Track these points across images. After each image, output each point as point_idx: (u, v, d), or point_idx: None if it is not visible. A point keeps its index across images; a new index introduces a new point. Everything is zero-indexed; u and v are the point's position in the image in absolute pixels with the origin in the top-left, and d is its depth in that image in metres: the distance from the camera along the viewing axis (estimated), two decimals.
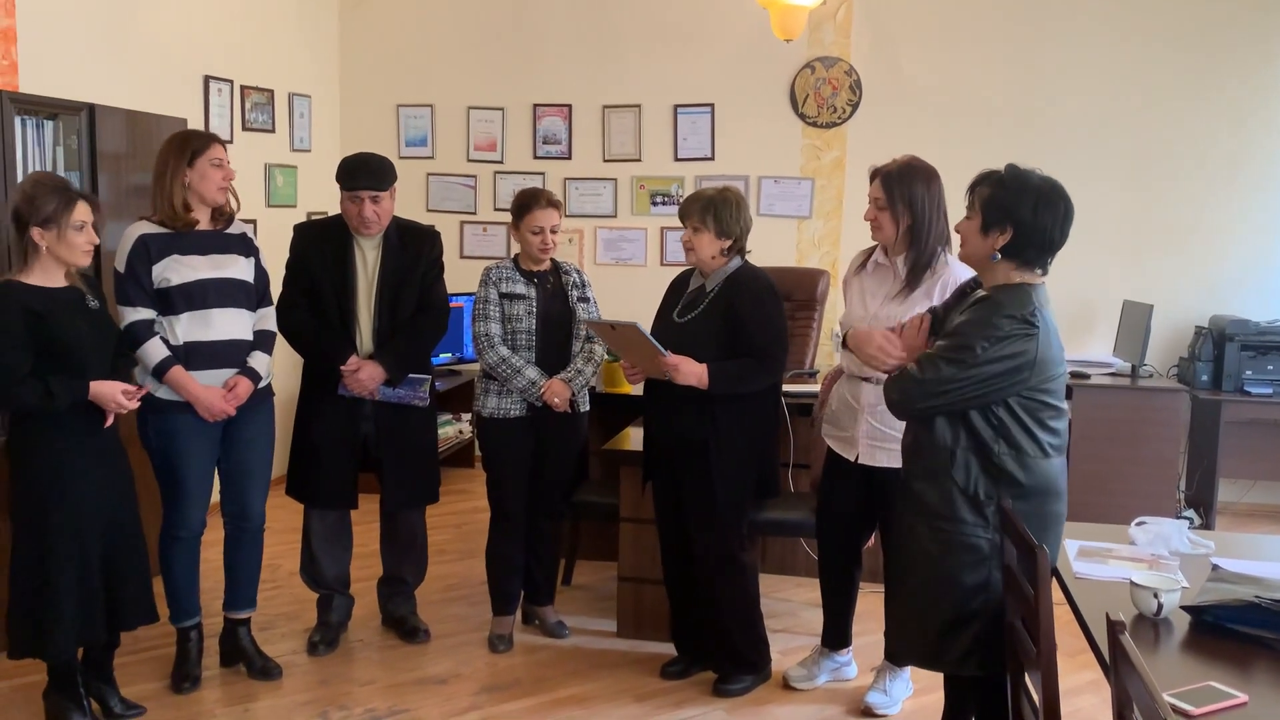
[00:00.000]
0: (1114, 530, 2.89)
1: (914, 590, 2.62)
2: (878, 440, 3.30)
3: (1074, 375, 5.31)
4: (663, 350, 3.32)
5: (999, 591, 2.51)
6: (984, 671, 2.57)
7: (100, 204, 3.11)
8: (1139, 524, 2.81)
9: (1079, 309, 5.85)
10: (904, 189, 3.25)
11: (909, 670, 3.51)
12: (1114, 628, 1.75)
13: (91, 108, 4.09)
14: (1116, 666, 1.77)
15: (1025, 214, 2.47)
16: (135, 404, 3.09)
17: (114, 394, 3.03)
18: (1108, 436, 5.14)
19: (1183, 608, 2.27)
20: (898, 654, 2.74)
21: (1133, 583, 2.30)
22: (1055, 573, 2.44)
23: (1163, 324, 5.56)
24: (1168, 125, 5.73)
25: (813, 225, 6.15)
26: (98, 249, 3.09)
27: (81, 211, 2.98)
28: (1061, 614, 2.32)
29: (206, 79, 5.30)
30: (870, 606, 3.89)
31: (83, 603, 3.03)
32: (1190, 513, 5.38)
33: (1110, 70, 5.76)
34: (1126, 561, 2.60)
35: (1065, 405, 2.55)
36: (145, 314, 3.32)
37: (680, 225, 3.52)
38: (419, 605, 4.06)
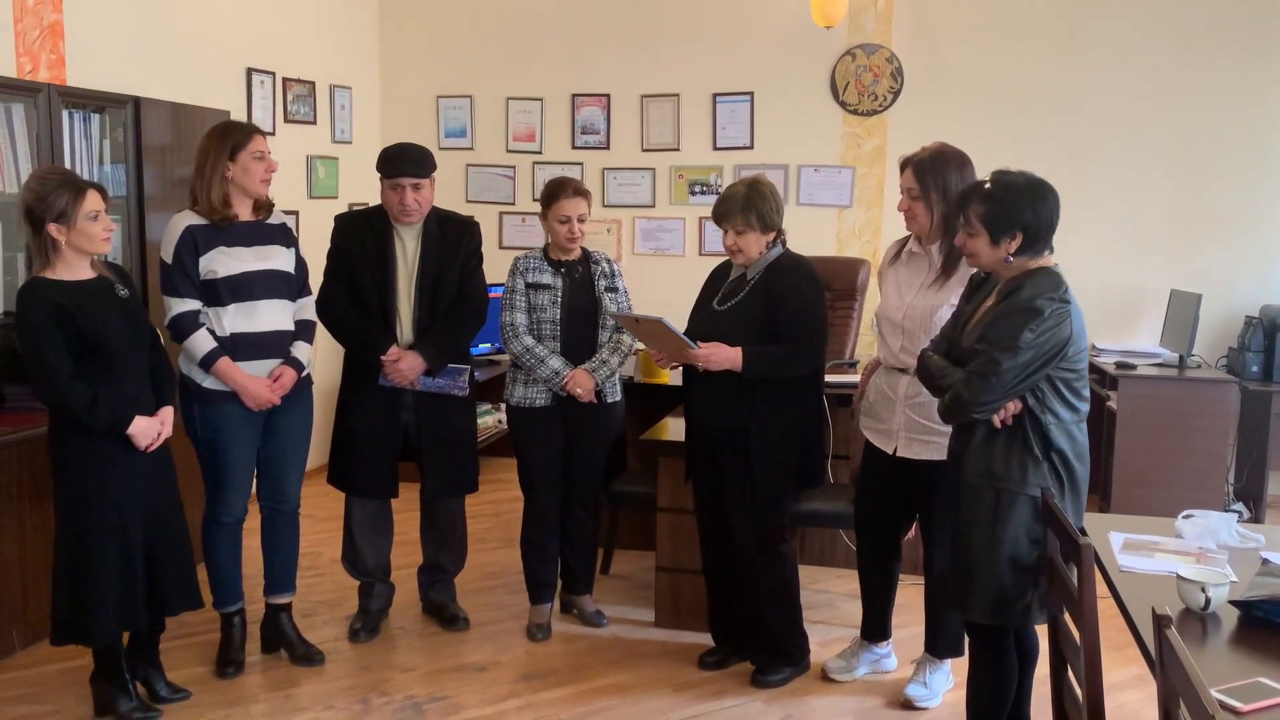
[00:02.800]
0: (1160, 523, 2.85)
1: (982, 551, 2.69)
2: (916, 432, 3.27)
3: (1120, 366, 5.23)
4: (691, 343, 3.30)
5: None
6: (1040, 621, 2.68)
7: (107, 190, 3.12)
8: (1186, 517, 2.77)
9: (1125, 299, 5.76)
10: (937, 178, 3.21)
11: (949, 663, 3.48)
12: (1160, 622, 1.72)
13: (137, 100, 4.14)
14: (1163, 662, 1.74)
15: (1028, 215, 2.67)
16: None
17: (149, 433, 3.08)
18: (1154, 428, 5.05)
19: (1231, 602, 2.23)
20: (966, 609, 2.76)
21: (1179, 576, 2.27)
22: (1100, 566, 2.42)
23: (1211, 314, 5.45)
24: (1216, 112, 5.62)
25: (853, 214, 6.10)
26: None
27: (93, 201, 3.00)
28: (1105, 607, 2.29)
29: (249, 71, 5.36)
30: (910, 599, 3.86)
31: (125, 589, 3.08)
32: (1239, 506, 5.28)
33: (1157, 57, 5.65)
34: (1173, 555, 2.56)
35: (1088, 373, 2.75)
36: (191, 305, 3.36)
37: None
38: (459, 593, 4.09)
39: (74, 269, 3.03)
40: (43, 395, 3.02)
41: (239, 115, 5.10)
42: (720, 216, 3.41)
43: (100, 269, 3.12)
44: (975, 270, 2.96)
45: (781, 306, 3.35)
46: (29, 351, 2.98)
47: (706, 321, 3.42)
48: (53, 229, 2.96)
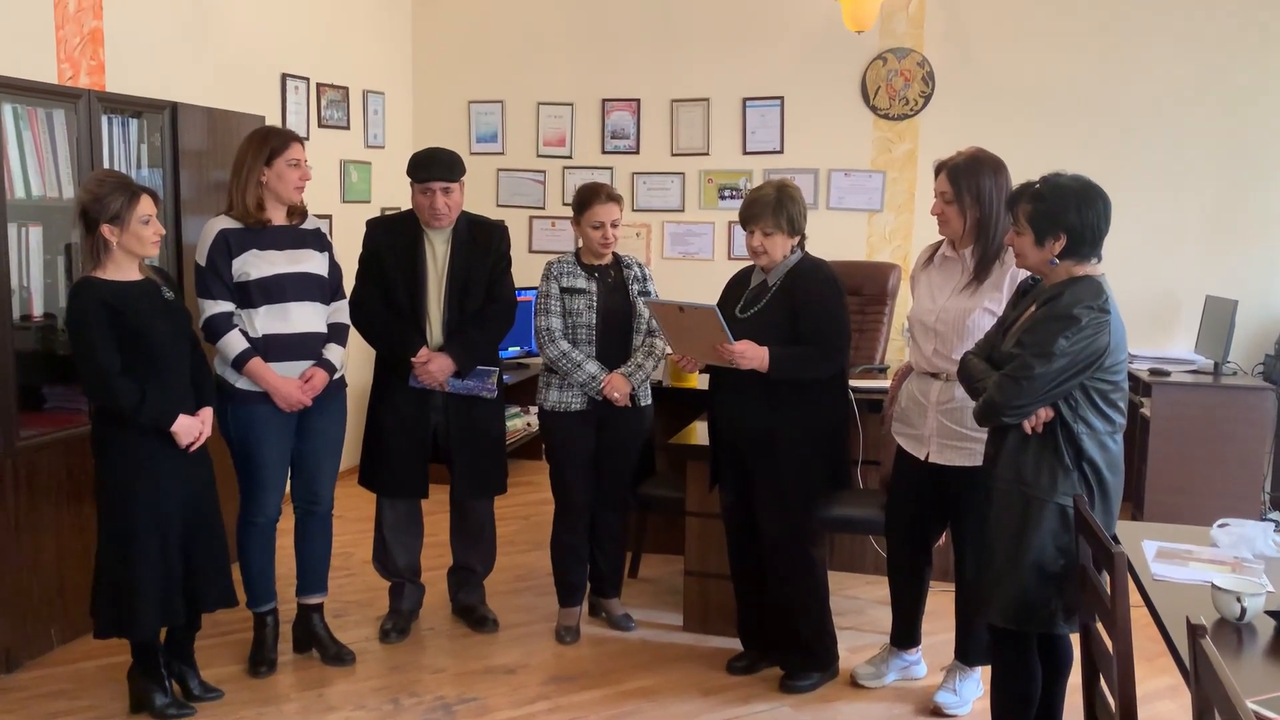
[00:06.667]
0: (1195, 532, 2.82)
1: (1007, 555, 2.70)
2: (948, 438, 3.26)
3: (1153, 373, 5.18)
4: (731, 338, 3.30)
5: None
6: (1069, 630, 2.71)
7: (159, 196, 3.18)
8: (1221, 526, 2.74)
9: (1159, 304, 5.70)
10: (971, 182, 3.20)
11: (979, 670, 3.45)
12: (1195, 631, 1.70)
13: (174, 106, 4.20)
14: (1197, 672, 1.72)
15: (1072, 218, 2.65)
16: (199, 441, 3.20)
17: (191, 431, 3.13)
18: (1189, 435, 5.00)
19: (1267, 613, 2.21)
20: (987, 612, 2.77)
21: (1214, 586, 2.25)
22: (1133, 574, 2.40)
23: (1248, 320, 5.38)
24: (1253, 114, 5.55)
25: (884, 219, 6.08)
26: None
27: (145, 205, 3.07)
28: (1138, 616, 2.27)
29: (284, 77, 5.42)
30: (940, 606, 3.84)
31: (164, 586, 3.13)
32: (1276, 515, 5.21)
33: (1193, 58, 5.59)
34: (1208, 564, 2.53)
35: (1127, 386, 2.74)
36: (224, 307, 3.40)
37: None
38: (488, 595, 4.11)
39: (123, 270, 3.09)
40: (91, 391, 3.09)
41: (273, 120, 5.15)
42: (749, 218, 3.41)
43: (147, 272, 3.18)
44: (1024, 276, 2.95)
45: (803, 310, 3.35)
46: (79, 348, 3.04)
47: (729, 329, 3.42)
48: (106, 230, 3.02)
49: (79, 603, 3.51)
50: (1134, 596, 2.24)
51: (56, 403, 3.83)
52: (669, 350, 3.86)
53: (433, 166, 3.68)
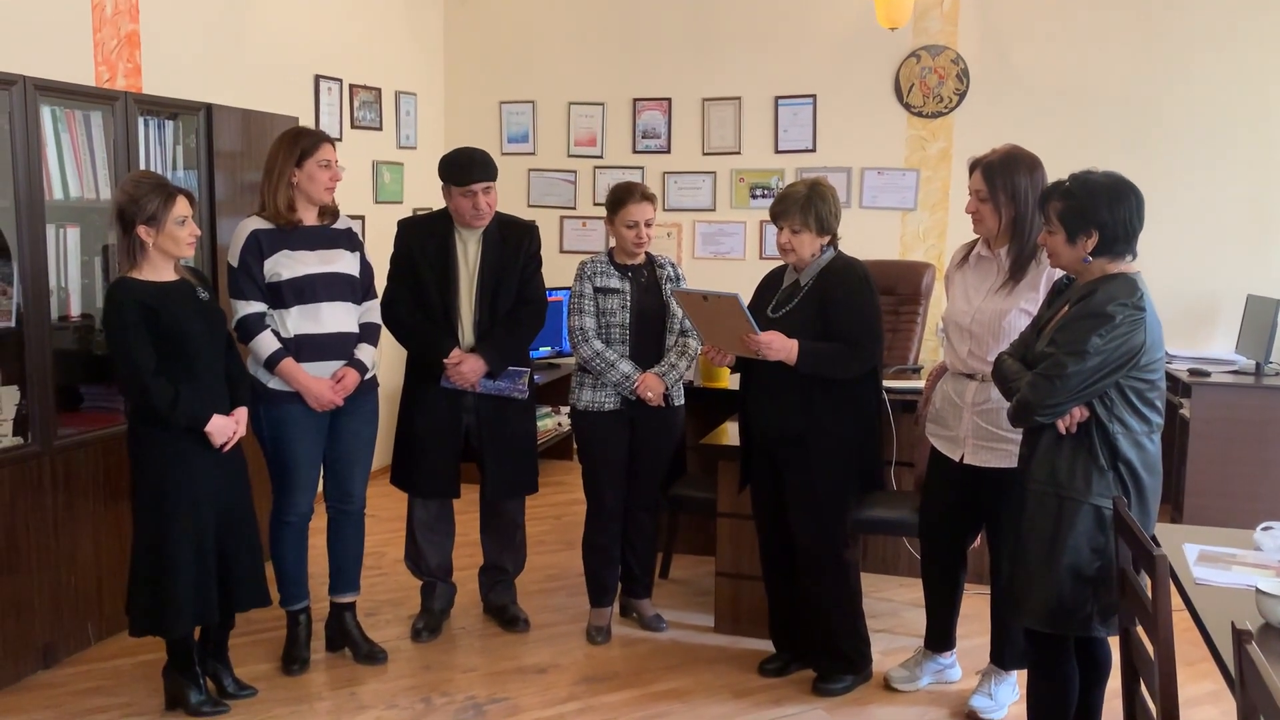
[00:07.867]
0: (1238, 535, 2.77)
1: (1042, 557, 2.67)
2: (983, 440, 3.22)
3: (1193, 373, 5.10)
4: (756, 328, 3.27)
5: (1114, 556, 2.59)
6: (1107, 633, 2.68)
7: (195, 197, 3.21)
8: (1265, 529, 2.69)
9: (1199, 304, 5.61)
10: (1006, 180, 3.16)
11: (1015, 674, 3.41)
12: (1240, 637, 1.67)
13: (209, 107, 4.23)
14: (1243, 678, 1.69)
15: (1104, 214, 2.62)
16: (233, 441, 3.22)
17: (225, 431, 3.16)
18: (1230, 437, 4.91)
19: None
20: (1022, 615, 2.74)
21: (1259, 590, 2.20)
22: (1173, 578, 2.36)
23: None
24: None
25: (918, 217, 6.03)
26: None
27: (182, 206, 3.10)
28: (1178, 620, 2.23)
29: (317, 78, 5.45)
30: (975, 609, 3.80)
31: (199, 584, 3.15)
32: None
33: (1232, 51, 5.49)
34: (1251, 568, 2.49)
35: (1164, 385, 2.69)
36: (257, 307, 3.43)
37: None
38: (519, 594, 4.12)
39: (159, 270, 3.12)
40: (127, 390, 3.13)
41: (307, 121, 5.19)
42: (778, 214, 3.40)
43: (183, 272, 3.21)
44: (1059, 276, 2.91)
45: (834, 308, 3.33)
46: (115, 347, 3.07)
47: (761, 328, 3.39)
48: (142, 231, 3.05)
49: (116, 600, 3.55)
50: (1174, 600, 2.20)
51: (94, 402, 3.87)
52: (701, 347, 3.85)
53: (473, 168, 3.68)
